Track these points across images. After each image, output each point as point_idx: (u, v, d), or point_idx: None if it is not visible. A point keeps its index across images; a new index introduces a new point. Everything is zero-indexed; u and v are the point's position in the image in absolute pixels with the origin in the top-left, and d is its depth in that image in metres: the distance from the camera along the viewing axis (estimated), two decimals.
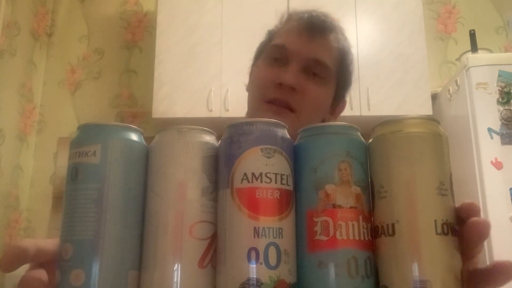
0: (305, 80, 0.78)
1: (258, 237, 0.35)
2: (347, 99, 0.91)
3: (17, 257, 0.36)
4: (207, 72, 2.30)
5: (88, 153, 0.38)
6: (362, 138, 0.40)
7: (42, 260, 0.38)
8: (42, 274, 0.38)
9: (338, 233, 0.36)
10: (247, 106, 0.86)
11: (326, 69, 0.79)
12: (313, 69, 0.79)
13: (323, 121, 0.85)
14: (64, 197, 0.38)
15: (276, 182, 0.37)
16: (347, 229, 0.36)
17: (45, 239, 0.39)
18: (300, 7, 0.85)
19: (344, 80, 0.85)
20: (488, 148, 1.86)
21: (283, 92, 0.76)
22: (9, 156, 2.32)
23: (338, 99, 0.86)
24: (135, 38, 2.72)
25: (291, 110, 0.77)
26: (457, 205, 0.38)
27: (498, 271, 0.36)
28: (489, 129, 1.88)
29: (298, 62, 0.78)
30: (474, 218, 0.37)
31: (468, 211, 0.37)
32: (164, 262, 0.36)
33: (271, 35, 0.87)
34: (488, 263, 0.38)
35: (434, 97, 2.34)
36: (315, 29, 0.80)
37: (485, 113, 1.90)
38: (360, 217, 0.37)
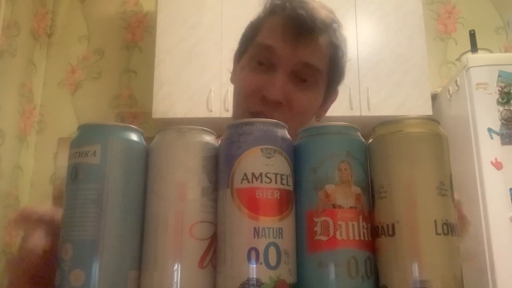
0: (292, 89, 0.72)
1: (258, 237, 0.35)
2: (339, 88, 0.84)
3: (28, 217, 0.44)
4: (207, 72, 2.30)
5: (88, 153, 0.38)
6: (362, 138, 0.40)
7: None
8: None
9: (338, 233, 0.36)
10: (232, 105, 0.80)
11: (316, 72, 0.74)
12: (302, 74, 0.73)
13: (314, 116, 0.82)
14: (64, 197, 0.38)
15: (276, 182, 0.37)
16: (347, 229, 0.36)
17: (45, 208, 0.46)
18: None
19: (336, 76, 0.79)
20: (488, 148, 1.86)
21: (268, 107, 0.71)
22: (9, 156, 2.31)
23: (329, 94, 0.80)
24: (135, 38, 2.72)
25: None
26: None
27: None
28: (489, 129, 1.88)
29: (285, 68, 0.71)
30: None
31: None
32: (164, 262, 0.36)
33: (255, 28, 0.79)
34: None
35: (434, 97, 2.34)
36: (304, 30, 0.72)
37: (485, 113, 1.90)
38: (360, 217, 0.37)
